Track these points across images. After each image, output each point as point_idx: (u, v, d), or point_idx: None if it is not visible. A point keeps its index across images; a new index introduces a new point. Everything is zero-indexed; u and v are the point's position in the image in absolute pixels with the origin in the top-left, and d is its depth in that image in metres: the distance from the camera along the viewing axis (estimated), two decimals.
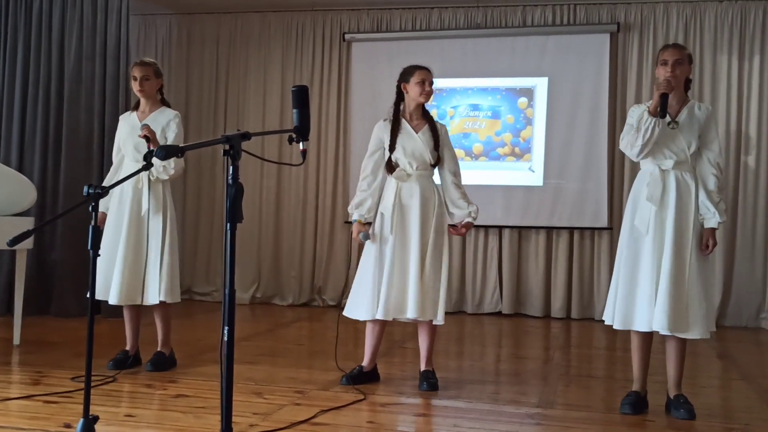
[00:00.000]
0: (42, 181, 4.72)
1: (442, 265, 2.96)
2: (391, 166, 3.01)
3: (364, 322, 3.03)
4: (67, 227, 4.64)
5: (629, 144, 2.67)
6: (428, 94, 3.01)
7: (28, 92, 4.83)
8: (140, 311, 3.28)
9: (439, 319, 2.92)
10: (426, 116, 3.07)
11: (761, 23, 5.02)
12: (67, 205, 4.47)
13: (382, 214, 3.00)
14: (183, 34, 5.88)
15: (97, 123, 4.77)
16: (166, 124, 3.21)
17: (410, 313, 2.88)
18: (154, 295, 3.13)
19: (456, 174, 3.05)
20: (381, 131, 3.05)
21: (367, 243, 2.98)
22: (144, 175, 3.12)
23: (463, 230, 2.99)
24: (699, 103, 2.74)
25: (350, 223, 5.61)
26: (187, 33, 5.88)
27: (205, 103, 5.84)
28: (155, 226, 3.15)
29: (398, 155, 3.00)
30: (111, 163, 3.36)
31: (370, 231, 2.99)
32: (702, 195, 2.66)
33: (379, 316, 2.91)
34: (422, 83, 2.99)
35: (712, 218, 2.64)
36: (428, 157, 2.99)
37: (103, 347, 3.46)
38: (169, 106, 3.32)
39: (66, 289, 4.66)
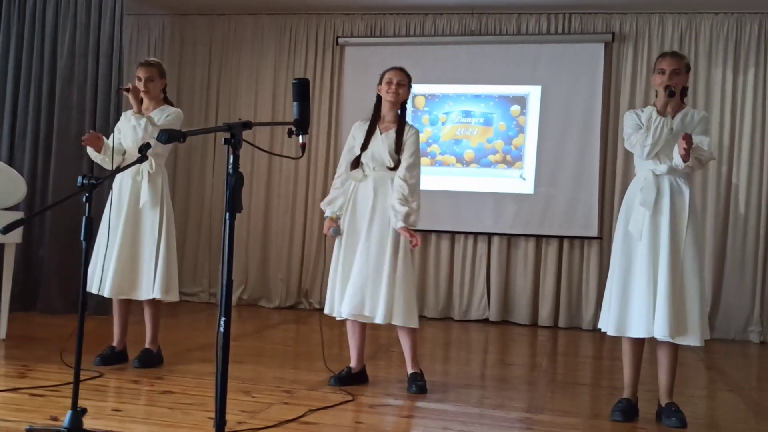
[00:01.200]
0: (32, 178, 4.67)
1: (408, 268, 2.94)
2: (356, 165, 3.03)
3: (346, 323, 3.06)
4: (55, 224, 4.60)
5: (638, 143, 2.67)
6: (394, 94, 2.99)
7: (19, 89, 4.78)
8: (130, 307, 3.25)
9: (401, 322, 2.90)
10: (399, 119, 3.06)
11: (756, 36, 5.04)
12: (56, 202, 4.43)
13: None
14: (176, 35, 5.87)
15: (88, 121, 4.73)
16: (167, 113, 3.22)
17: (367, 311, 2.90)
18: (147, 291, 3.10)
19: (407, 170, 2.95)
20: (356, 130, 3.09)
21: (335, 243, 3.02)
22: (144, 167, 3.12)
23: (407, 235, 2.91)
24: (693, 110, 2.76)
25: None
26: (180, 34, 5.86)
27: (196, 105, 5.82)
28: (151, 219, 3.13)
29: (366, 157, 3.02)
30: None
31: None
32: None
33: (338, 316, 2.95)
34: (389, 82, 3.01)
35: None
36: (386, 160, 2.99)
37: (90, 344, 3.40)
38: (171, 105, 3.33)
39: (53, 286, 4.61)
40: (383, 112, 3.06)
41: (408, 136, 3.01)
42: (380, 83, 3.05)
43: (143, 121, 3.10)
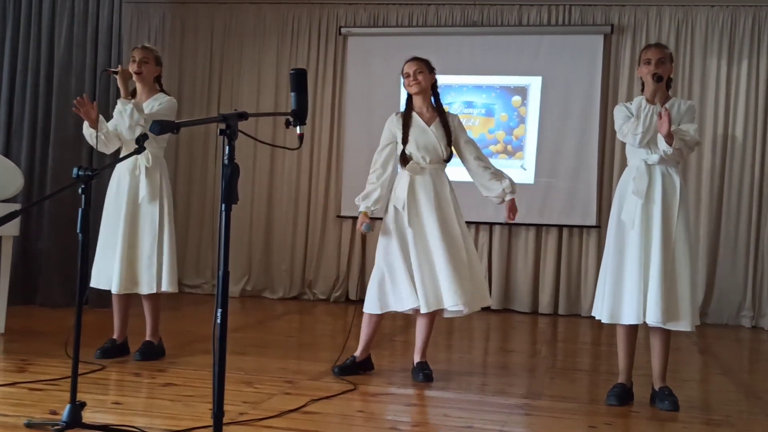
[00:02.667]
0: (29, 169, 4.65)
1: (468, 253, 2.97)
2: (405, 159, 3.01)
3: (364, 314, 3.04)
4: (54, 216, 4.58)
5: (630, 132, 2.71)
6: (415, 84, 2.99)
7: (16, 79, 4.74)
8: (130, 300, 3.26)
9: (482, 303, 2.99)
10: (438, 109, 3.06)
11: (750, 28, 5.09)
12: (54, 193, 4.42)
13: (395, 207, 2.99)
14: (176, 25, 5.84)
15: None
16: (159, 101, 3.16)
17: (448, 303, 2.88)
18: (148, 284, 3.10)
19: (480, 158, 3.06)
20: (393, 125, 3.05)
21: (385, 237, 2.98)
22: (141, 161, 3.09)
23: (511, 214, 3.02)
24: (681, 100, 2.81)
25: (342, 217, 5.65)
26: (180, 23, 5.84)
27: (197, 96, 5.81)
28: (151, 213, 3.12)
29: (411, 149, 3.00)
30: (100, 152, 3.32)
31: (385, 224, 3.00)
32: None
33: (423, 310, 2.91)
34: (407, 76, 3.02)
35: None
36: (441, 151, 3.00)
37: (90, 337, 3.42)
38: (167, 94, 3.26)
39: (52, 279, 4.60)
40: (417, 104, 3.05)
41: (455, 124, 3.05)
42: (403, 79, 3.05)
43: (129, 106, 3.02)
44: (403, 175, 3.01)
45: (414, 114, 3.04)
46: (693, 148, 2.75)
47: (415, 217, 2.96)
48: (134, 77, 3.15)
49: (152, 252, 3.10)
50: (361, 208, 3.01)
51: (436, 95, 3.08)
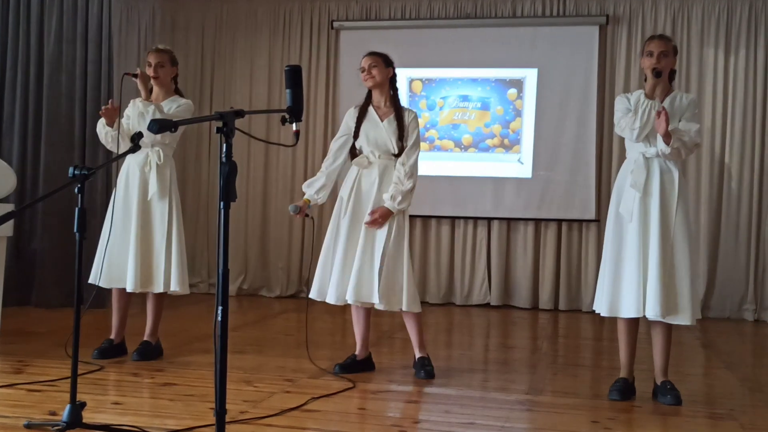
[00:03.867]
0: (21, 169, 4.59)
1: (402, 252, 2.92)
2: (354, 153, 3.03)
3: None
4: (48, 215, 4.53)
5: (628, 126, 2.70)
6: (369, 79, 2.98)
7: (5, 76, 4.68)
8: (131, 299, 3.22)
9: (404, 307, 2.91)
10: (395, 104, 3.03)
11: (747, 18, 5.07)
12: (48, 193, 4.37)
13: (341, 198, 3.01)
14: (167, 20, 5.77)
15: (78, 109, 4.65)
16: (177, 103, 3.17)
17: (373, 298, 2.87)
18: (160, 284, 3.07)
19: (407, 156, 2.95)
20: (349, 118, 3.07)
21: (330, 227, 3.00)
22: (153, 158, 3.08)
23: (373, 216, 2.89)
24: (683, 93, 2.79)
25: None
26: (171, 19, 5.77)
27: (189, 92, 5.71)
28: (161, 211, 3.10)
29: (362, 142, 3.00)
30: (93, 150, 3.29)
31: (333, 213, 3.01)
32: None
33: (329, 300, 2.92)
34: (362, 70, 3.01)
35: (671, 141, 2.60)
36: (391, 147, 2.97)
37: (87, 337, 3.37)
38: (182, 96, 3.26)
39: (47, 279, 4.55)
40: (375, 99, 3.04)
41: (409, 120, 3.00)
42: None
43: (151, 108, 3.05)
44: (352, 168, 3.03)
45: (370, 108, 3.03)
46: (692, 149, 2.72)
47: (355, 210, 2.95)
48: (152, 81, 3.16)
49: (162, 251, 3.08)
50: (306, 195, 3.03)
51: (395, 90, 3.06)
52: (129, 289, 3.06)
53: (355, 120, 3.02)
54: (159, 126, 1.62)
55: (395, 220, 2.94)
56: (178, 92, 3.26)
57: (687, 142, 2.65)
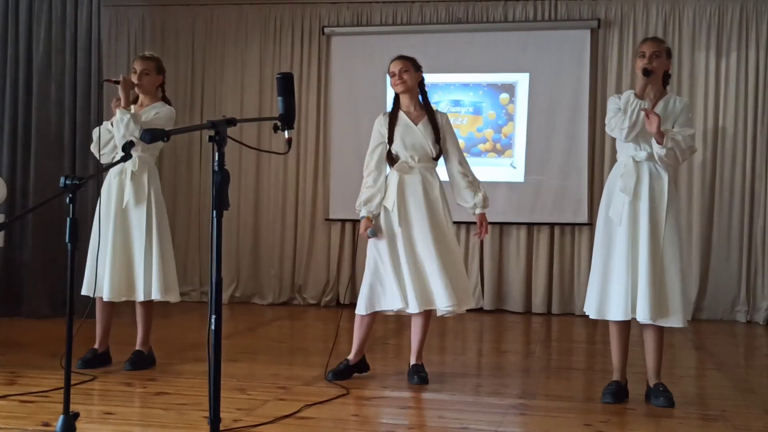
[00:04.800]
0: (11, 178, 4.55)
1: (456, 254, 2.98)
2: (392, 159, 2.99)
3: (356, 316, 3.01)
4: (37, 225, 4.49)
5: (617, 126, 2.71)
6: (401, 84, 2.97)
7: None
8: (114, 309, 3.20)
9: (472, 303, 3.01)
10: (426, 107, 3.04)
11: (737, 21, 5.10)
12: (38, 202, 4.34)
13: (384, 207, 2.97)
14: (156, 27, 5.76)
15: (68, 118, 4.62)
16: (157, 110, 3.14)
17: (441, 304, 2.87)
18: (143, 292, 3.05)
19: (461, 163, 3.03)
20: (380, 125, 3.03)
21: (375, 239, 2.95)
22: (128, 165, 3.05)
23: (482, 229, 3.00)
24: (676, 97, 2.79)
25: (331, 220, 5.61)
26: (161, 25, 5.76)
27: (180, 99, 5.72)
28: (138, 218, 3.08)
29: (398, 148, 2.98)
30: (83, 159, 3.28)
31: (376, 224, 2.97)
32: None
33: (412, 310, 2.88)
34: (393, 75, 3.00)
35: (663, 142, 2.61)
36: (429, 150, 2.98)
37: (74, 347, 3.35)
38: (169, 104, 3.23)
39: (37, 289, 4.51)
40: (404, 103, 3.03)
41: (442, 122, 3.03)
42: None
43: (126, 116, 3.02)
44: (393, 175, 2.99)
45: (401, 113, 3.02)
46: (687, 152, 2.69)
47: (404, 217, 2.94)
48: (136, 89, 3.13)
49: (142, 259, 3.05)
50: (363, 213, 2.97)
51: (424, 93, 3.06)
52: (105, 298, 3.04)
53: (386, 127, 3.00)
54: (151, 136, 1.62)
55: (451, 224, 3.00)
56: (165, 100, 3.22)
57: (680, 142, 2.64)
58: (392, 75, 2.99)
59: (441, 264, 2.87)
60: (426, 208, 2.93)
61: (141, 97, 3.17)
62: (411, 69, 2.99)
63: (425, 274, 2.89)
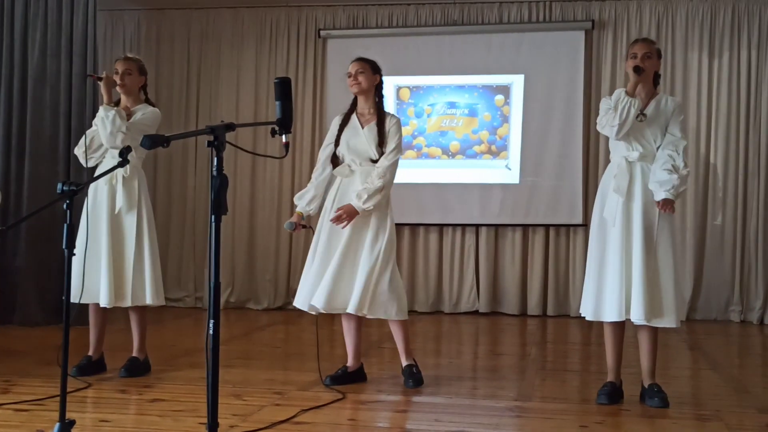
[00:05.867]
0: (5, 184, 4.53)
1: (379, 261, 2.87)
2: (336, 160, 3.01)
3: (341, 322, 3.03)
4: (30, 232, 4.46)
5: (608, 124, 2.72)
6: (354, 85, 2.96)
7: None
8: (107, 315, 3.18)
9: (394, 315, 2.89)
10: (379, 111, 3.01)
11: (730, 21, 5.14)
12: (32, 208, 4.31)
13: (324, 207, 3.01)
14: (152, 31, 5.75)
15: (62, 123, 4.60)
16: (142, 111, 3.12)
17: (350, 308, 2.84)
18: (135, 297, 3.04)
19: (379, 164, 2.92)
20: (334, 125, 3.06)
21: (315, 234, 2.99)
22: (118, 171, 3.02)
23: (340, 212, 2.87)
24: (668, 97, 2.82)
25: None
26: (156, 30, 5.75)
27: (175, 103, 5.72)
28: (130, 223, 3.07)
29: (343, 150, 2.99)
30: (77, 164, 3.26)
31: (320, 223, 2.99)
32: (658, 167, 2.64)
33: (318, 307, 2.87)
34: (348, 75, 3.00)
35: (668, 189, 2.62)
36: (372, 153, 2.95)
37: (71, 354, 3.35)
38: (153, 105, 3.22)
39: (30, 296, 4.47)
40: (360, 105, 3.03)
41: (390, 125, 2.96)
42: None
43: (111, 112, 2.98)
44: (335, 177, 3.01)
45: (354, 115, 3.02)
46: (686, 177, 2.69)
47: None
48: (118, 89, 3.12)
49: (134, 264, 3.05)
50: (298, 208, 3.02)
51: (380, 97, 3.04)
52: (103, 304, 3.02)
53: (337, 127, 3.01)
54: (151, 142, 1.61)
55: (382, 225, 2.91)
56: (149, 102, 3.21)
57: (682, 181, 2.63)
58: (348, 76, 2.99)
59: (355, 267, 2.85)
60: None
61: (123, 98, 3.15)
62: (368, 71, 2.98)
63: (335, 275, 2.85)
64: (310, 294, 2.90)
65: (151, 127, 3.10)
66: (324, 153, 3.05)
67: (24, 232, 4.50)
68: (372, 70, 3.00)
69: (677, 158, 2.67)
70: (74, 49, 4.62)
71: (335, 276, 2.86)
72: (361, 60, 3.01)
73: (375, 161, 2.95)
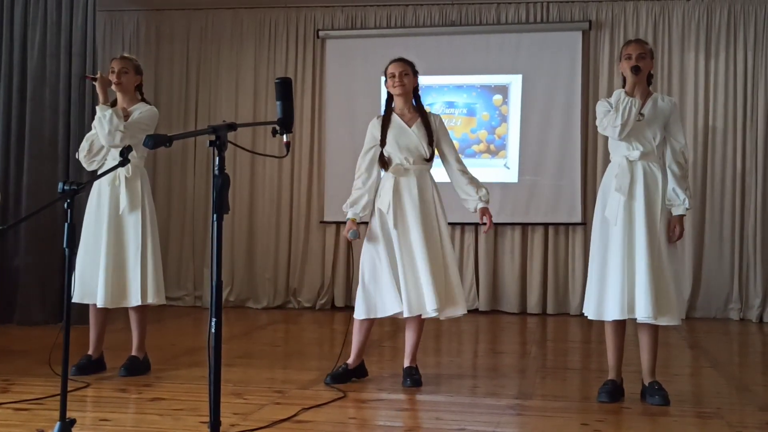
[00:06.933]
0: (4, 183, 4.53)
1: (448, 257, 2.96)
2: (385, 162, 3.00)
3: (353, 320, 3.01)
4: (30, 232, 4.46)
5: (610, 125, 2.74)
6: (399, 87, 2.98)
7: None
8: (108, 314, 3.18)
9: (463, 309, 2.96)
10: (419, 109, 3.06)
11: (725, 22, 5.17)
12: (32, 208, 4.31)
13: (379, 210, 2.98)
14: (151, 32, 5.75)
15: (62, 123, 4.60)
16: (140, 110, 3.12)
17: (429, 308, 2.86)
18: (136, 297, 3.04)
19: (459, 161, 3.07)
20: (374, 128, 3.04)
21: (370, 241, 2.96)
22: (121, 172, 3.03)
23: (486, 222, 2.99)
24: (662, 96, 2.85)
25: (326, 223, 5.61)
26: (155, 30, 5.75)
27: (175, 103, 5.72)
28: (134, 224, 3.07)
29: (391, 150, 2.99)
30: (77, 164, 3.26)
31: (371, 227, 2.98)
32: (671, 183, 2.74)
33: (405, 314, 2.88)
34: (392, 76, 3.00)
35: (681, 205, 2.73)
36: (423, 151, 2.99)
37: (71, 354, 3.34)
38: (148, 104, 3.22)
39: (30, 296, 4.47)
40: (398, 106, 3.04)
41: (436, 124, 3.04)
42: (386, 80, 3.04)
43: (108, 112, 2.98)
44: (388, 178, 3.00)
45: (394, 115, 3.04)
46: (688, 171, 2.82)
47: (400, 220, 2.94)
48: (114, 87, 3.11)
49: (137, 263, 3.05)
50: (349, 215, 2.99)
51: (417, 97, 3.08)
52: (99, 305, 3.02)
53: (379, 129, 3.01)
54: (154, 142, 1.61)
55: (446, 225, 3.00)
56: (144, 101, 3.20)
57: (686, 177, 2.76)
58: (391, 76, 2.99)
59: (430, 267, 2.87)
60: (420, 210, 2.94)
61: (120, 98, 3.14)
62: (411, 73, 3.02)
63: (418, 277, 2.89)
64: (396, 300, 2.88)
65: (149, 125, 3.11)
66: (367, 157, 3.01)
67: (24, 232, 4.50)
68: (413, 71, 3.04)
69: (684, 167, 2.77)
70: (74, 50, 4.62)
71: (433, 276, 2.86)
72: (403, 61, 3.03)
73: (426, 159, 3.00)
